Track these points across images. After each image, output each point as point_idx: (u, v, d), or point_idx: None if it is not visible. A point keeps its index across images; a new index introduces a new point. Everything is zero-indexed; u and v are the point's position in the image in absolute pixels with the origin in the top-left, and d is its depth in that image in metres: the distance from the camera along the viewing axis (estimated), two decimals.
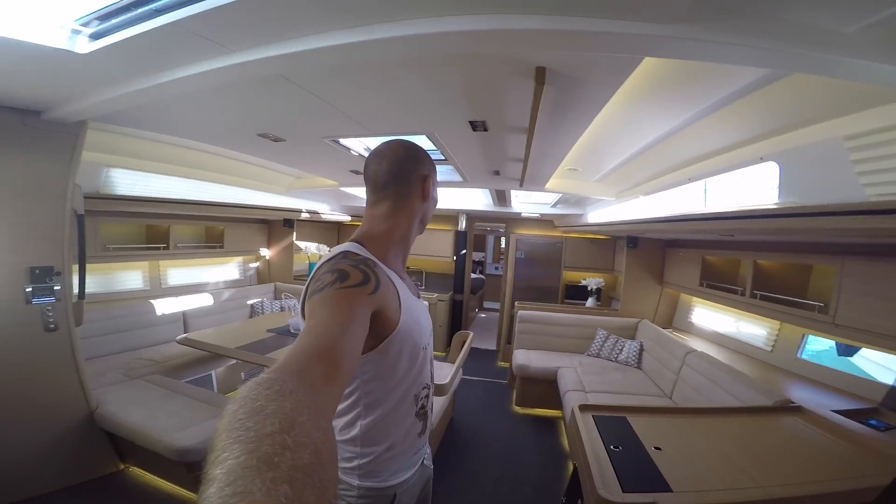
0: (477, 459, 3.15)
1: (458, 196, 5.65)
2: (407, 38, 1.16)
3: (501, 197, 5.28)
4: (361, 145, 3.28)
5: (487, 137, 2.48)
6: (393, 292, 0.83)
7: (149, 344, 3.57)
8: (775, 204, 1.97)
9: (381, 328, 0.80)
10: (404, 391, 0.90)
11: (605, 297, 5.64)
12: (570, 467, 2.89)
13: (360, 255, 0.83)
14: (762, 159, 1.91)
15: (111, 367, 3.01)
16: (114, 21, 1.28)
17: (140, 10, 1.21)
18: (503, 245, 8.61)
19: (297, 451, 0.35)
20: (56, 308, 2.17)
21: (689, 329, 4.23)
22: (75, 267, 2.36)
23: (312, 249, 5.33)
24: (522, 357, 4.17)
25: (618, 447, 1.72)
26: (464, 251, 6.26)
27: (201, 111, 2.09)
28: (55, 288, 2.15)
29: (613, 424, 1.94)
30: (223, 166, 3.51)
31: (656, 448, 1.71)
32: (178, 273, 4.35)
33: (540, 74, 1.46)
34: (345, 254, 0.82)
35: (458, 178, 4.11)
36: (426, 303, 1.15)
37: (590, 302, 5.27)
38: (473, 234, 6.68)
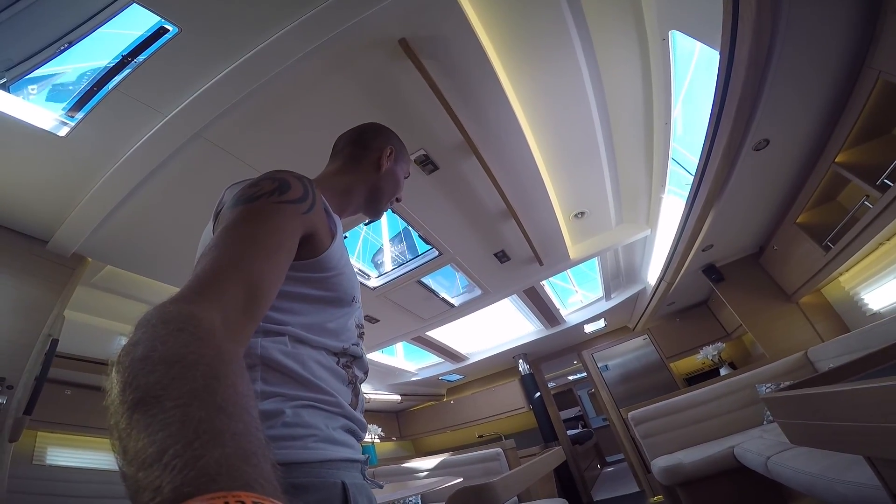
0: None
1: (504, 336, 5.06)
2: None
3: (547, 314, 4.71)
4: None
5: (446, 180, 2.41)
6: (323, 215, 0.72)
7: None
8: None
9: (306, 252, 0.67)
10: (322, 331, 0.71)
11: (741, 363, 4.16)
12: None
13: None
14: None
15: None
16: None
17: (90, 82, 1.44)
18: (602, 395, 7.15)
19: (234, 416, 0.29)
20: None
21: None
22: None
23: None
24: (666, 460, 2.74)
25: None
26: (538, 393, 5.12)
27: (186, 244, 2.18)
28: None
29: None
30: None
31: None
32: None
33: (406, 47, 1.60)
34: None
35: (477, 292, 3.80)
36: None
37: (724, 371, 3.84)
38: (551, 391, 5.70)
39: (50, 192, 1.87)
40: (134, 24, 1.29)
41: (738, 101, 1.81)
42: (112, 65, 1.34)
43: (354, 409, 0.73)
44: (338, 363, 0.73)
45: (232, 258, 0.50)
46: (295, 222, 0.62)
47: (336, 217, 0.78)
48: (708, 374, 4.15)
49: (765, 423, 2.79)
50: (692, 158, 2.65)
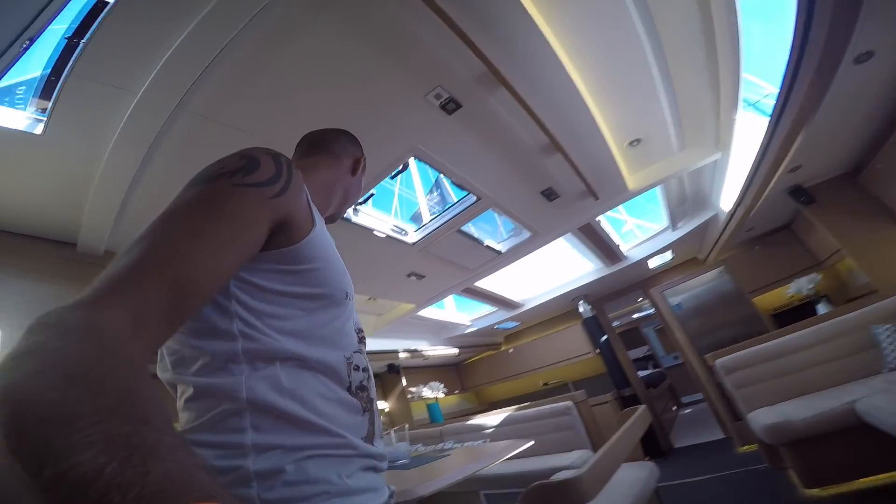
0: None
1: (560, 279, 4.82)
2: None
3: (606, 251, 4.36)
4: (384, 224, 3.02)
5: (472, 118, 2.15)
6: (302, 199, 0.62)
7: None
8: None
9: (282, 240, 0.57)
10: (319, 339, 0.60)
11: (837, 297, 3.61)
12: None
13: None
14: None
15: None
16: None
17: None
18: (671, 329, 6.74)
19: (162, 429, 0.27)
20: None
21: None
22: None
23: (425, 392, 4.61)
24: (768, 415, 2.41)
25: None
26: (604, 336, 4.89)
27: None
28: None
29: None
30: None
31: None
32: None
33: None
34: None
35: (525, 234, 3.55)
36: None
37: (821, 309, 3.36)
38: (616, 330, 5.38)
39: (54, 193, 1.78)
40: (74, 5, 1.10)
41: (832, 9, 1.48)
42: (59, 52, 1.19)
43: (372, 442, 0.62)
44: (349, 388, 0.61)
45: (162, 253, 0.43)
46: (259, 209, 0.53)
47: (317, 210, 0.69)
48: (798, 310, 3.64)
49: (885, 371, 2.35)
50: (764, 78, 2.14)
